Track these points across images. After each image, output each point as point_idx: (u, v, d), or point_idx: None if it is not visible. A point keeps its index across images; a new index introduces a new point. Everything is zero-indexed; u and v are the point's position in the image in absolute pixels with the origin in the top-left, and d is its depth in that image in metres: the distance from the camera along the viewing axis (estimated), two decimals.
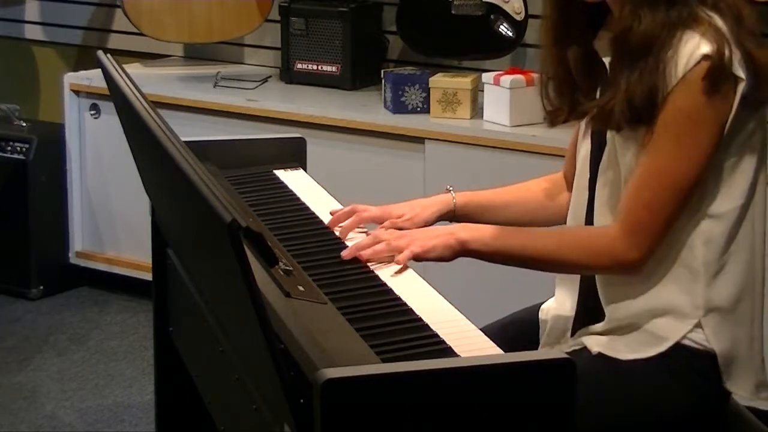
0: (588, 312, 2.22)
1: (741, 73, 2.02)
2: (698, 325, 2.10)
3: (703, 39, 2.02)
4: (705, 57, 2.01)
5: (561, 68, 2.22)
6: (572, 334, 2.25)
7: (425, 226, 2.37)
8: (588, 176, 2.23)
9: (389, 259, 2.18)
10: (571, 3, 2.18)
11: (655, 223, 2.06)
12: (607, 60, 2.16)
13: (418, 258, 2.16)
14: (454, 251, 2.16)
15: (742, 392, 2.14)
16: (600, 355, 2.14)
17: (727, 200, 2.09)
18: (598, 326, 2.17)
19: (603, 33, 2.18)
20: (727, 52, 2.01)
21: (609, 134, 2.15)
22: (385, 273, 2.16)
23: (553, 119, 2.27)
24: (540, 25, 2.27)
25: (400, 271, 2.15)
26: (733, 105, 2.03)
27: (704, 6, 2.06)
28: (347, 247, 2.26)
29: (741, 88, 2.03)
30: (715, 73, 2.01)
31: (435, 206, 2.40)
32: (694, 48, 2.01)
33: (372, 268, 2.17)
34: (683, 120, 2.03)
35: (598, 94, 2.19)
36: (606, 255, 2.10)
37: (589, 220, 2.22)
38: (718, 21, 2.04)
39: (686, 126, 2.03)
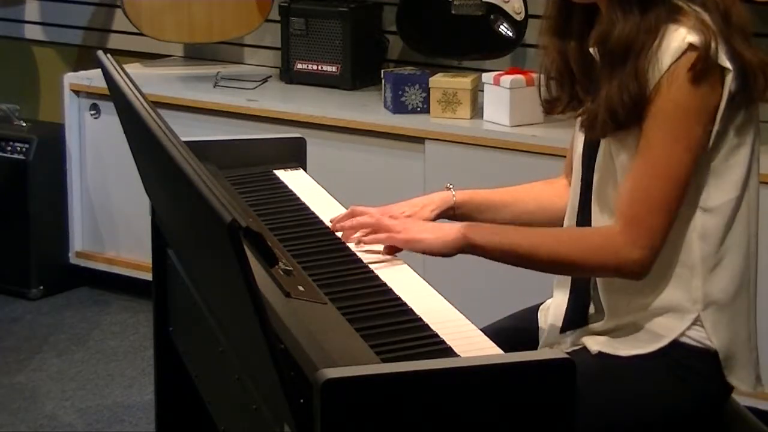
0: (577, 309, 2.22)
1: (728, 64, 2.02)
2: (697, 321, 2.10)
3: (689, 30, 2.02)
4: (691, 47, 2.01)
5: (561, 59, 2.21)
6: (561, 330, 2.25)
7: None
8: (581, 174, 2.23)
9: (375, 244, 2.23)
10: (571, 3, 2.18)
11: (654, 217, 2.04)
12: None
13: (408, 243, 2.18)
14: (456, 241, 2.14)
15: (743, 386, 2.14)
16: (599, 353, 2.14)
17: (721, 193, 2.08)
18: (598, 325, 2.18)
19: (594, 32, 2.18)
20: (713, 44, 2.01)
21: None
22: (386, 273, 2.16)
23: (550, 108, 2.27)
24: (542, 19, 2.26)
25: (390, 263, 2.17)
26: (722, 96, 2.03)
27: (688, 1, 2.06)
28: (347, 247, 2.26)
29: (728, 79, 2.03)
30: (702, 63, 2.01)
31: (435, 204, 2.40)
32: (680, 39, 2.02)
33: (372, 268, 2.18)
34: (672, 111, 2.02)
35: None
36: (607, 251, 2.06)
37: (583, 218, 2.22)
38: (704, 15, 2.04)
39: (676, 117, 2.02)
